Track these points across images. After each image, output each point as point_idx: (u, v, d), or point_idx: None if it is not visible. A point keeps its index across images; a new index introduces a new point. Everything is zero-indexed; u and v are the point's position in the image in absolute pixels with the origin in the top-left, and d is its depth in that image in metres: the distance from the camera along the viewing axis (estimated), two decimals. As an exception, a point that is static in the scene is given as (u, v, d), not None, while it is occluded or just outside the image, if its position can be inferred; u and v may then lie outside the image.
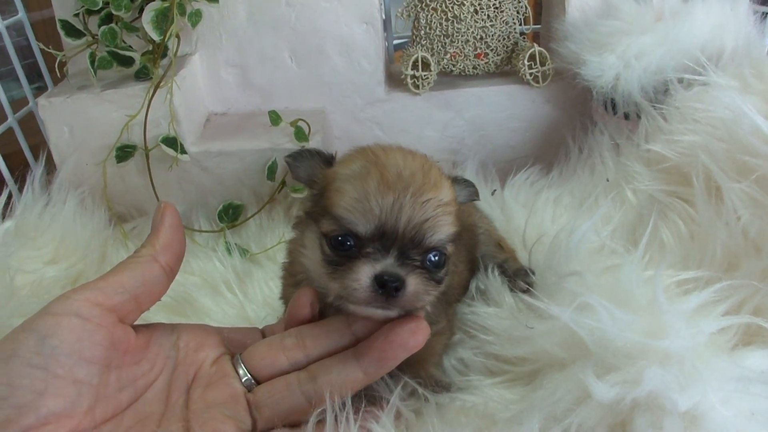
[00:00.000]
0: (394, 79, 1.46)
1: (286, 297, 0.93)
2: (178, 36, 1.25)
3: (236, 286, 1.17)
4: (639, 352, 0.71)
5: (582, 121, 1.36)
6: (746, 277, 0.84)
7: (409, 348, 0.72)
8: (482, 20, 1.35)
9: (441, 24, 1.36)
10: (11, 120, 1.33)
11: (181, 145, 1.27)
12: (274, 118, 1.30)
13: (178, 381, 0.74)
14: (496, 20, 1.36)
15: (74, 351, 0.63)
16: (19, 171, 1.30)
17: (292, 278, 0.91)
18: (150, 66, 1.24)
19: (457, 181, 0.85)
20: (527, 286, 1.04)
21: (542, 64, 1.35)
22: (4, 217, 1.19)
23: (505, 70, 1.45)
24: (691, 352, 0.69)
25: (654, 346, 0.71)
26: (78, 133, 1.28)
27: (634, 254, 0.95)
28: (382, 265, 0.70)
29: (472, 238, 1.09)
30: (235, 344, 0.82)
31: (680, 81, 1.16)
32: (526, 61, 1.35)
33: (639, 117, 1.22)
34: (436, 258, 0.73)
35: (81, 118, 1.27)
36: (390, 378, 0.83)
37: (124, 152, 1.27)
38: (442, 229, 0.72)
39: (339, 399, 0.73)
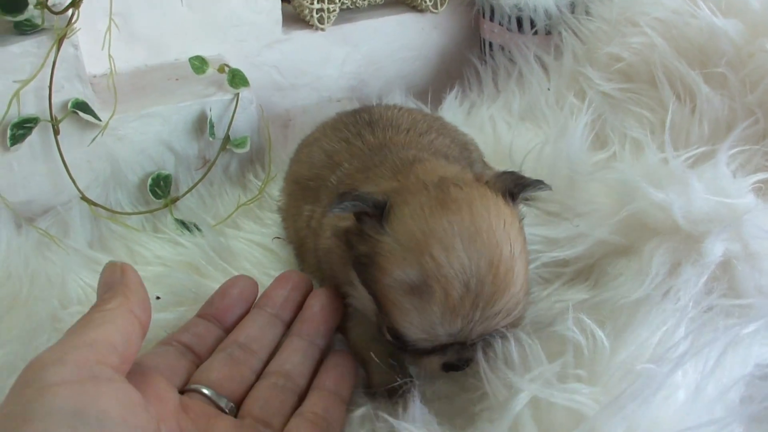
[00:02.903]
0: (290, 17, 1.36)
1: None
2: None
3: (215, 264, 1.02)
4: (717, 218, 0.80)
5: (476, 43, 1.43)
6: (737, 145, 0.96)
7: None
8: (376, -57, 1.34)
9: (334, -49, 1.31)
10: None
11: (93, 111, 1.05)
12: (197, 65, 1.15)
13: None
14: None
15: (122, 418, 0.53)
16: None
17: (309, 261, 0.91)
18: (40, 12, 1.00)
19: (523, 189, 0.75)
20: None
21: (439, -12, 1.38)
22: None
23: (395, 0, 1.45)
24: (757, 209, 0.81)
25: (732, 207, 0.81)
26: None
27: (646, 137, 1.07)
28: (450, 356, 0.70)
29: (468, 158, 1.09)
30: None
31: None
32: (425, -14, 1.37)
33: (548, 33, 1.33)
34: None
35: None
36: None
37: (22, 129, 1.01)
38: (516, 319, 0.70)
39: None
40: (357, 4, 1.38)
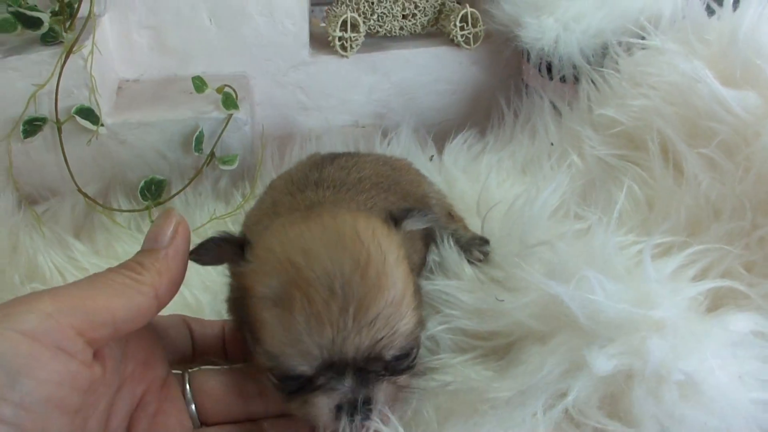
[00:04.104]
0: (318, 41, 1.44)
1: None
2: (87, -6, 1.18)
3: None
4: (631, 323, 0.74)
5: (515, 84, 1.41)
6: (712, 241, 0.89)
7: None
8: (410, -21, 1.36)
9: (368, -18, 1.36)
10: None
11: (98, 116, 1.21)
12: (198, 84, 1.26)
13: (120, 402, 0.64)
14: (424, -21, 1.37)
15: (51, 399, 0.53)
16: None
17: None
18: (59, 28, 1.17)
19: (407, 215, 0.75)
20: (482, 256, 1.08)
21: (473, 25, 1.38)
22: None
23: (432, 32, 1.47)
24: (681, 319, 0.75)
25: (646, 316, 0.74)
26: (-27, 105, 1.19)
27: (603, 219, 1.01)
28: (340, 394, 0.64)
29: (424, 209, 1.11)
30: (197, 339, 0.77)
31: (620, 44, 1.23)
32: (457, 23, 1.37)
33: (577, 80, 1.28)
34: (404, 358, 0.67)
35: (-23, 89, 1.18)
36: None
37: (32, 126, 1.19)
38: (402, 337, 0.65)
39: None
40: (393, 33, 1.42)
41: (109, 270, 0.62)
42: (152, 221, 1.20)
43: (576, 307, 0.79)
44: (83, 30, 1.17)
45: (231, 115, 1.25)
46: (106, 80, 1.28)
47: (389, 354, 0.65)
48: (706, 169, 0.97)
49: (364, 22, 1.39)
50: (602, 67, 1.23)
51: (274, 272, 0.64)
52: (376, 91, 1.46)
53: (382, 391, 0.66)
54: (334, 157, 1.08)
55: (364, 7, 1.38)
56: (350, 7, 1.38)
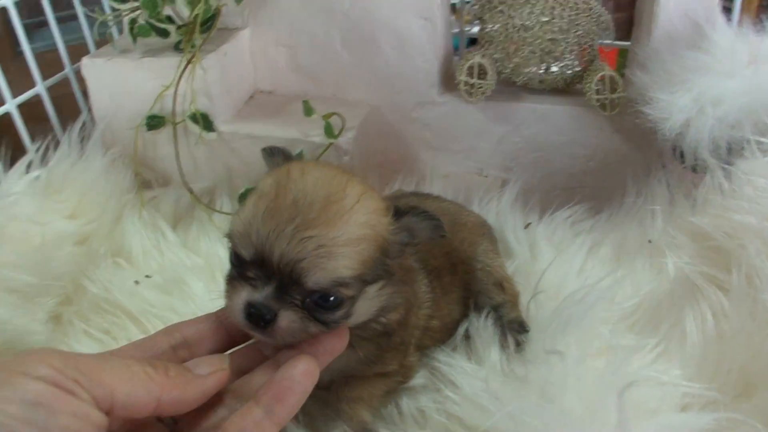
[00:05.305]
0: (451, 80, 1.40)
1: None
2: (218, 11, 1.27)
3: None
4: None
5: (648, 161, 1.26)
6: (752, 412, 0.79)
7: (297, 392, 0.68)
8: (552, 32, 1.27)
9: (506, 29, 1.29)
10: (68, 69, 1.41)
11: (211, 122, 1.30)
12: (307, 109, 1.30)
13: None
14: (569, 33, 1.27)
15: (69, 428, 0.55)
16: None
17: None
18: (184, 41, 1.27)
19: (412, 214, 0.77)
20: (517, 344, 1.00)
21: (612, 90, 1.25)
22: (43, 163, 1.28)
23: (577, 89, 1.36)
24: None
25: None
26: (117, 95, 1.35)
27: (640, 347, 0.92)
28: (255, 295, 0.69)
29: (468, 272, 1.05)
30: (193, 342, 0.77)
31: (758, 144, 1.05)
32: (594, 85, 1.26)
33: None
34: (323, 300, 0.70)
35: (120, 82, 1.33)
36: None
37: (154, 121, 1.32)
38: (324, 272, 0.68)
39: None
40: (531, 85, 1.34)
41: (132, 359, 0.65)
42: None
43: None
44: (201, 44, 1.27)
45: (331, 143, 1.27)
46: (236, 89, 1.37)
47: (308, 282, 0.68)
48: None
49: (498, 71, 1.33)
50: (729, 164, 1.06)
51: (274, 175, 0.74)
52: (505, 143, 1.39)
53: (287, 318, 0.69)
54: (414, 193, 1.09)
55: (500, 54, 1.32)
56: (485, 53, 1.32)
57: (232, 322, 0.74)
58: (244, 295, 0.70)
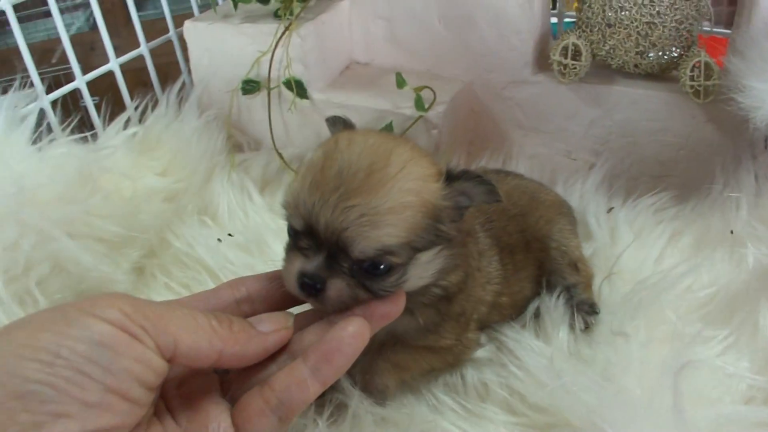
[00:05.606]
0: (545, 60, 1.40)
1: None
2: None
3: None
4: None
5: (737, 151, 1.23)
6: None
7: (345, 353, 0.70)
8: (650, 15, 1.25)
9: (603, 10, 1.28)
10: (172, 33, 1.48)
11: (305, 89, 1.34)
12: (400, 81, 1.32)
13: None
14: (667, 17, 1.25)
15: (131, 371, 0.58)
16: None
17: None
18: (283, 8, 1.32)
19: (465, 178, 0.76)
20: (583, 326, 1.00)
21: (707, 77, 1.23)
22: (141, 121, 1.35)
23: (672, 76, 1.34)
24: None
25: None
26: (215, 59, 1.41)
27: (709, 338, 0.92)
28: (307, 265, 0.72)
29: (543, 251, 1.06)
30: (256, 297, 0.80)
31: None
32: (689, 71, 1.24)
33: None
34: (373, 268, 0.72)
35: (219, 46, 1.39)
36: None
37: (249, 86, 1.37)
38: (368, 241, 0.70)
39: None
40: (626, 68, 1.33)
41: (198, 311, 0.68)
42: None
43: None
44: (303, 10, 1.31)
45: (420, 116, 1.29)
46: (332, 59, 1.41)
47: (353, 251, 0.70)
48: None
49: (593, 52, 1.32)
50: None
51: (324, 146, 0.76)
52: (596, 126, 1.38)
53: (336, 286, 0.72)
54: (497, 170, 1.11)
55: (597, 35, 1.31)
56: (581, 33, 1.32)
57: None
58: (297, 264, 0.73)
